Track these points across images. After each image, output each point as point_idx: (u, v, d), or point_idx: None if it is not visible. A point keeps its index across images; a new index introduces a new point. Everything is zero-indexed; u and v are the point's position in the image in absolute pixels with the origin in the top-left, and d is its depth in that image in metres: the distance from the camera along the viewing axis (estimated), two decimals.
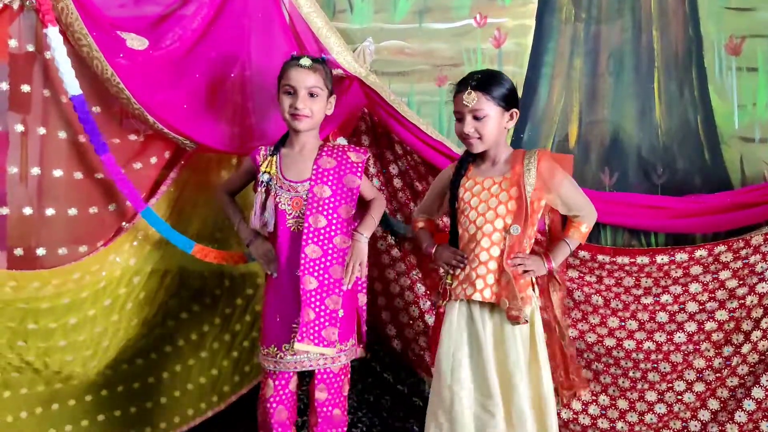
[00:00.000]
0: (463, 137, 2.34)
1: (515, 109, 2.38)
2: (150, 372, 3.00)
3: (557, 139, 2.98)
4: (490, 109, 2.31)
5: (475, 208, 2.35)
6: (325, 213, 2.41)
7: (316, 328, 2.35)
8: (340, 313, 2.40)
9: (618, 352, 2.74)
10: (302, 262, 2.36)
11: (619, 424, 2.78)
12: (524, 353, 2.28)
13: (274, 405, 2.44)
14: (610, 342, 2.75)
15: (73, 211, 2.57)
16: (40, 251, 2.50)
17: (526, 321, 2.27)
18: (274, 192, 2.45)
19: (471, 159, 2.43)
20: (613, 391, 2.79)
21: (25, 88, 2.46)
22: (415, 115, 2.90)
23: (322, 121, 2.53)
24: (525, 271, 2.32)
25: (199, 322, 3.03)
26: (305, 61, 2.45)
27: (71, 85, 2.45)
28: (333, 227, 2.41)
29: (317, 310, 2.37)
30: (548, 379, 2.32)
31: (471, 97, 2.29)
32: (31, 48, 2.49)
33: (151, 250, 2.75)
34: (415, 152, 2.89)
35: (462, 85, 2.34)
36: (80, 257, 2.56)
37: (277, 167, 2.47)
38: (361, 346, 2.61)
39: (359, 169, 2.47)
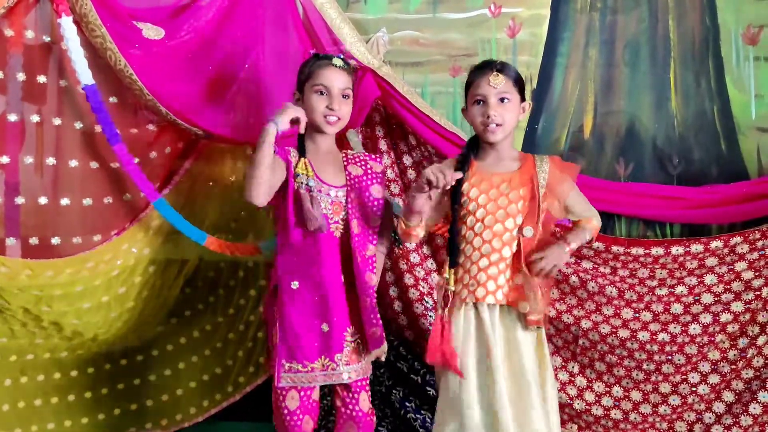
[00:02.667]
0: (484, 123, 2.26)
1: (528, 102, 2.36)
2: (166, 364, 3.02)
3: (572, 130, 2.97)
4: (513, 95, 2.28)
5: (483, 205, 2.27)
6: (359, 220, 2.37)
7: (379, 332, 2.32)
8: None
9: (632, 344, 2.73)
10: (359, 261, 2.31)
11: (633, 416, 2.77)
12: (535, 356, 2.23)
13: (301, 416, 2.33)
14: (624, 333, 2.74)
15: (87, 201, 2.59)
16: (55, 240, 2.53)
17: (542, 326, 2.24)
18: (314, 195, 2.32)
19: (474, 153, 2.36)
20: (627, 382, 2.78)
21: (41, 78, 2.47)
22: (429, 106, 2.89)
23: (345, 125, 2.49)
24: (548, 271, 2.24)
25: (214, 313, 3.05)
26: (338, 62, 2.37)
27: (84, 74, 2.45)
28: (366, 235, 2.38)
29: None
30: (552, 381, 2.27)
31: (499, 80, 2.25)
32: (47, 39, 2.50)
33: (166, 240, 2.76)
34: (429, 143, 2.88)
35: (485, 68, 2.29)
36: (94, 246, 2.58)
37: (312, 170, 2.35)
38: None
39: (382, 179, 2.45)
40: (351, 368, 2.34)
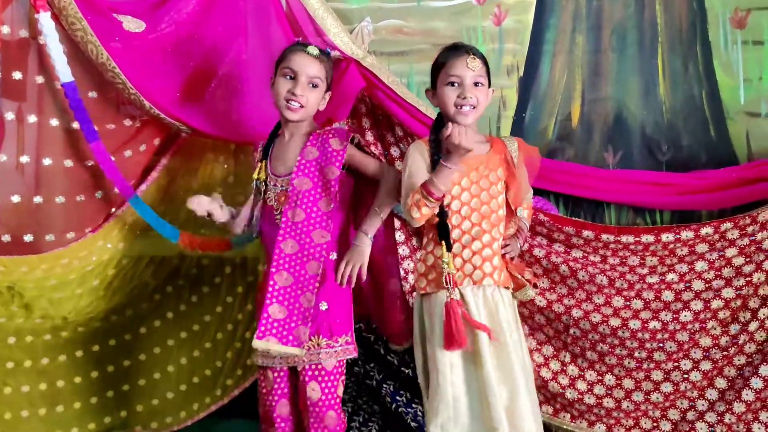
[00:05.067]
0: (459, 104, 2.25)
1: (492, 89, 2.37)
2: (155, 367, 2.99)
3: (560, 118, 2.94)
4: (484, 80, 2.30)
5: (467, 188, 2.28)
6: (303, 206, 2.31)
7: (286, 327, 2.25)
8: (323, 306, 2.32)
9: (623, 332, 2.71)
10: (275, 257, 2.27)
11: (625, 404, 2.75)
12: (518, 335, 2.27)
13: (276, 398, 2.35)
14: (615, 322, 2.72)
15: (60, 199, 2.59)
16: (28, 237, 2.53)
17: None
18: (263, 194, 2.38)
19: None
20: (619, 371, 2.76)
21: (17, 74, 2.46)
22: (414, 96, 2.85)
23: (312, 115, 2.43)
24: (512, 257, 2.34)
25: (200, 313, 3.01)
26: (313, 50, 2.35)
27: (63, 72, 2.44)
28: (312, 221, 2.31)
29: (290, 307, 2.27)
30: (527, 355, 2.31)
31: (476, 63, 2.26)
32: (24, 34, 2.47)
33: (142, 236, 2.75)
34: (415, 135, 2.84)
35: (460, 50, 2.29)
36: (67, 243, 2.59)
37: (267, 169, 2.40)
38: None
39: (339, 158, 2.34)
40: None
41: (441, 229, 2.26)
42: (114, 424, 2.95)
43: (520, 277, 2.32)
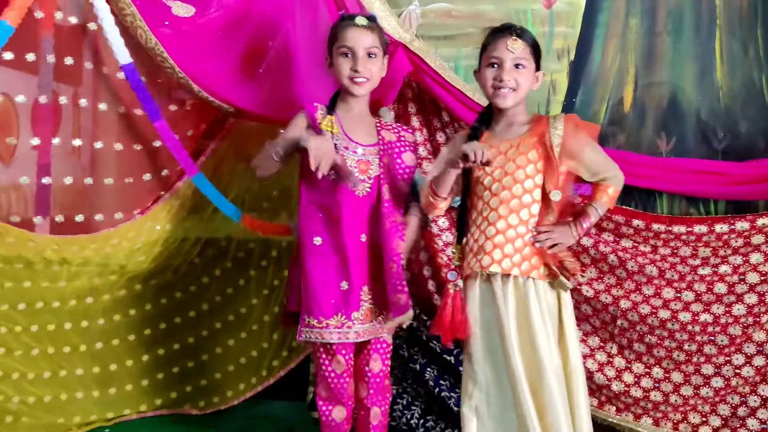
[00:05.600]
0: (496, 86, 2.20)
1: (542, 72, 2.30)
2: (204, 349, 3.06)
3: (611, 103, 2.86)
4: (528, 62, 2.22)
5: (490, 173, 2.22)
6: (390, 184, 2.33)
7: (405, 299, 2.28)
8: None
9: (672, 324, 2.65)
10: (387, 227, 2.27)
11: (673, 398, 2.69)
12: (552, 326, 2.18)
13: (347, 379, 2.33)
14: (664, 314, 2.66)
15: (109, 181, 2.66)
16: (79, 218, 2.60)
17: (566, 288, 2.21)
18: (339, 152, 2.29)
19: (485, 125, 2.29)
20: (668, 364, 2.70)
21: (70, 60, 2.49)
22: (461, 81, 2.82)
23: (377, 84, 2.39)
24: (552, 246, 2.21)
25: (247, 296, 3.08)
26: (361, 20, 2.32)
27: (121, 54, 2.47)
28: (395, 201, 2.35)
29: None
30: (577, 354, 2.21)
31: (517, 45, 2.20)
32: (75, 20, 2.51)
33: (191, 218, 2.81)
34: (462, 120, 2.81)
35: (504, 31, 2.23)
36: (116, 224, 2.66)
37: (339, 127, 2.33)
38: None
39: (415, 149, 2.42)
40: (363, 327, 2.31)
41: (458, 220, 2.30)
42: (164, 404, 3.04)
43: (554, 267, 2.19)
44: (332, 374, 2.32)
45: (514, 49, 2.19)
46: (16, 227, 2.41)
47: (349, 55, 2.30)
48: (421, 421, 2.93)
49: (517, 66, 2.21)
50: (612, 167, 2.29)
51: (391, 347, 2.42)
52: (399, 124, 2.53)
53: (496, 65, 2.21)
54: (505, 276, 2.18)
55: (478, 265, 2.18)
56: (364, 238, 2.31)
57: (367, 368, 2.37)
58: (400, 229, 2.33)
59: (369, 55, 2.31)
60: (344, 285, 2.28)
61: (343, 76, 2.31)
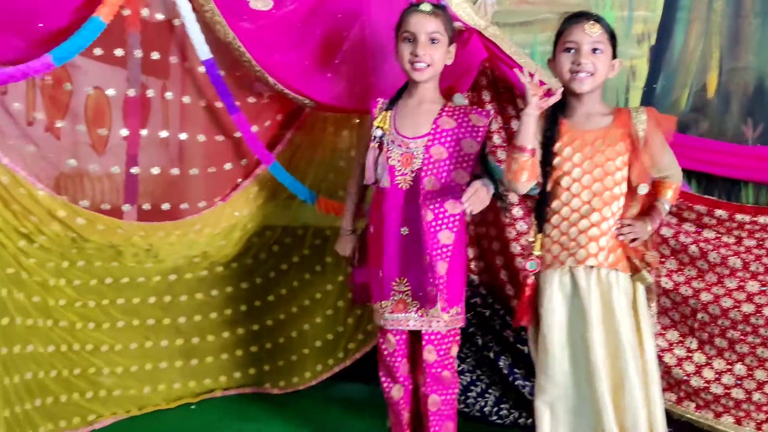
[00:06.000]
0: (573, 71, 2.18)
1: (619, 60, 2.26)
2: (281, 332, 3.18)
3: (694, 89, 2.76)
4: (606, 48, 2.20)
5: (579, 164, 2.21)
6: (438, 175, 2.34)
7: (435, 292, 2.32)
8: (444, 275, 2.35)
9: (757, 319, 2.55)
10: (426, 218, 2.31)
11: (756, 396, 2.59)
12: (630, 320, 2.18)
13: (399, 359, 2.44)
14: (748, 308, 2.56)
15: (194, 171, 2.79)
16: (165, 206, 2.76)
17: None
18: (386, 147, 2.38)
19: (560, 113, 2.27)
20: (751, 360, 2.60)
21: (155, 55, 2.62)
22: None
23: (441, 71, 2.42)
24: (633, 240, 2.22)
25: (323, 282, 3.16)
26: (425, 6, 2.35)
27: (202, 50, 2.57)
28: (446, 191, 2.35)
29: (421, 273, 2.33)
30: (652, 347, 2.20)
31: (595, 29, 2.18)
32: (161, 17, 2.63)
33: (268, 205, 2.92)
34: None
35: (581, 17, 2.22)
36: (199, 211, 2.81)
37: (391, 122, 2.39)
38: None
39: (479, 134, 2.37)
40: (393, 317, 2.38)
41: (537, 208, 2.28)
42: (243, 381, 3.19)
43: (637, 261, 2.21)
44: (385, 351, 2.45)
45: (592, 33, 2.17)
46: (106, 215, 2.59)
47: (411, 40, 2.32)
48: (495, 409, 2.94)
49: (594, 50, 2.18)
50: (677, 165, 2.31)
51: (453, 338, 2.43)
52: (474, 108, 2.51)
53: (573, 50, 2.19)
54: (589, 267, 2.18)
55: (571, 258, 2.19)
56: (405, 231, 2.35)
57: (423, 358, 2.42)
58: (443, 220, 2.34)
59: (432, 40, 2.32)
60: (380, 274, 2.38)
61: (405, 61, 2.34)
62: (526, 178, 2.18)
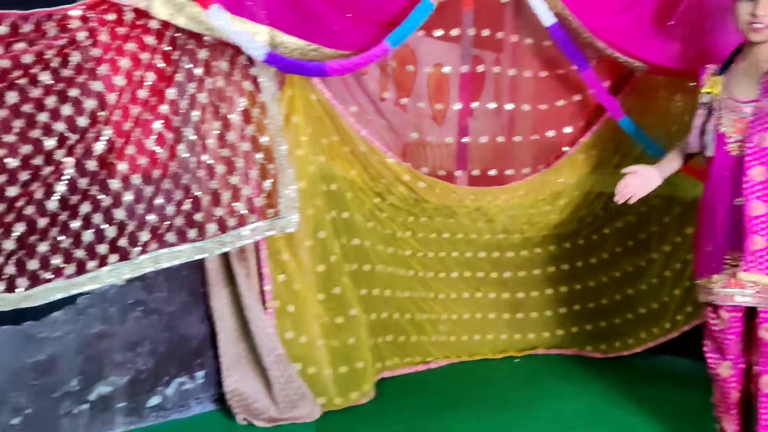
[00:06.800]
0: (749, 22, 2.12)
1: None
2: (603, 294, 3.23)
3: None
4: None
5: None
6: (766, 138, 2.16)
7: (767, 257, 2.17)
8: None
9: None
10: (745, 185, 2.17)
11: None
12: None
13: (731, 337, 2.32)
14: None
15: (518, 138, 3.00)
16: (492, 172, 3.02)
17: None
18: (717, 113, 2.26)
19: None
20: None
21: (485, 32, 2.84)
22: None
23: None
24: None
25: (647, 250, 3.12)
26: None
27: (545, 16, 2.67)
28: None
29: (767, 236, 2.17)
30: None
31: None
32: None
33: (594, 172, 3.01)
34: None
35: None
36: (523, 177, 3.02)
37: (724, 86, 2.27)
38: None
39: None
40: (724, 292, 2.26)
41: None
42: (565, 340, 3.30)
43: None
44: (715, 328, 2.34)
45: None
46: (442, 179, 2.93)
47: (751, 0, 2.16)
48: None
49: None
50: None
51: None
52: None
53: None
54: None
55: None
56: (739, 201, 2.18)
57: (759, 335, 2.27)
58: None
59: None
60: (708, 247, 2.26)
61: (742, 21, 2.20)
62: None
